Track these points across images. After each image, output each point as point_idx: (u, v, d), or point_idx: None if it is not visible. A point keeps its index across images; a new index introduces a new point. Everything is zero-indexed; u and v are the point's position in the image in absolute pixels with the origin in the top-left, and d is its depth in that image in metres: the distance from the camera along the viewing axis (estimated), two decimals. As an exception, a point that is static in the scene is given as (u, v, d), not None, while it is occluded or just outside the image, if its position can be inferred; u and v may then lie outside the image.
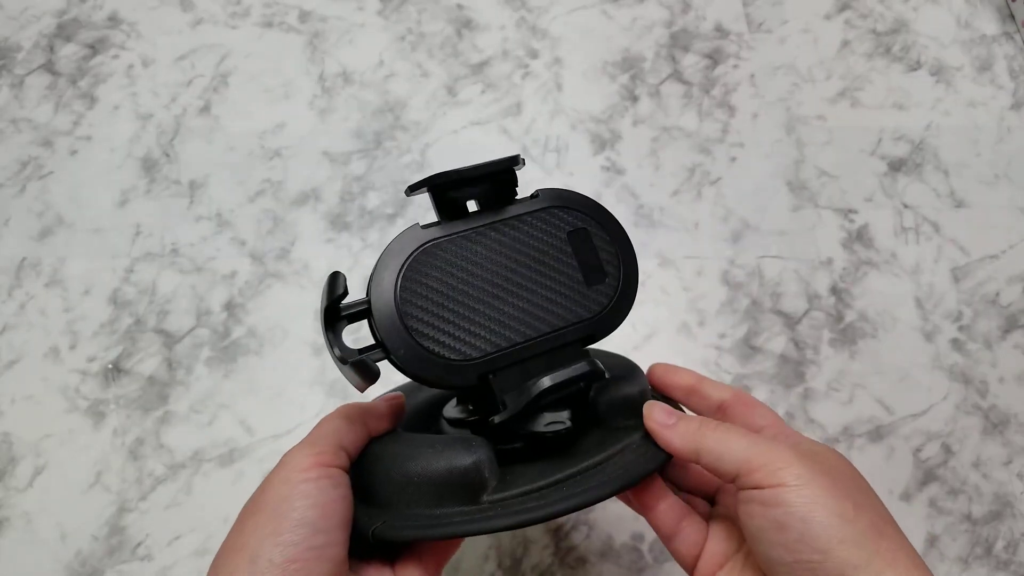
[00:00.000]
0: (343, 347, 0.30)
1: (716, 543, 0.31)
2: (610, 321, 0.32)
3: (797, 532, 0.25)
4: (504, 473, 0.30)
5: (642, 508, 0.32)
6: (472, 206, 0.32)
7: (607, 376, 0.31)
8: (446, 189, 0.31)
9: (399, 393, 0.34)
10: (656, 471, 0.30)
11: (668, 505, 0.32)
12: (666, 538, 0.32)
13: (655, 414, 0.31)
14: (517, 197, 0.33)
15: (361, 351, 0.30)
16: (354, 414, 0.31)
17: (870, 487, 0.28)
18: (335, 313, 0.30)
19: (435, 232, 0.31)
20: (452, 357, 0.30)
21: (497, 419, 0.30)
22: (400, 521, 0.29)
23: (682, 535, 0.31)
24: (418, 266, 0.30)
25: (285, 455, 0.29)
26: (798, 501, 0.25)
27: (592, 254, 0.32)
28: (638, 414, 0.31)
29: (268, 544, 0.25)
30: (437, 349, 0.29)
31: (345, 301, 0.30)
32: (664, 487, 0.32)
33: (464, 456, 0.29)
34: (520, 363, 0.31)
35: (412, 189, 0.31)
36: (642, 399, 0.32)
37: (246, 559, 0.25)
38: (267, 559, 0.25)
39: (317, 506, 0.26)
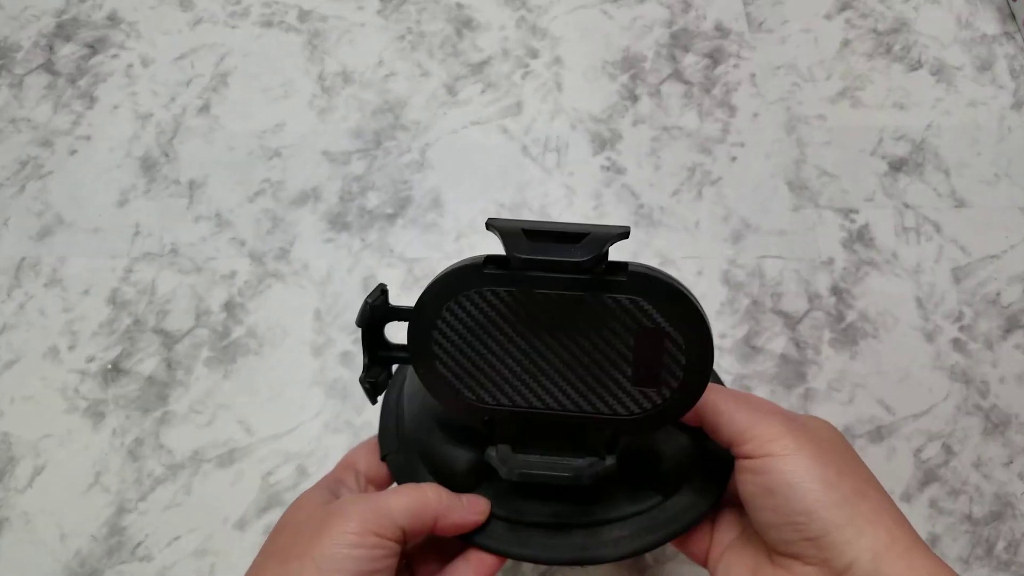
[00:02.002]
0: (373, 357, 0.31)
1: (724, 533, 0.33)
2: (637, 428, 0.29)
3: (783, 496, 0.27)
4: (511, 495, 0.32)
5: None
6: None
7: (603, 475, 0.30)
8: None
9: (487, 508, 0.31)
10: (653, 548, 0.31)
11: None
12: (679, 543, 0.33)
13: None
14: (608, 259, 0.30)
15: (396, 346, 0.32)
16: (433, 505, 0.29)
17: (856, 456, 0.30)
18: (376, 318, 0.31)
19: (499, 279, 0.28)
20: (465, 393, 0.29)
21: (486, 456, 0.30)
22: (405, 458, 0.33)
23: (694, 535, 0.33)
24: (466, 303, 0.29)
25: (345, 503, 0.29)
26: (785, 469, 0.28)
27: (654, 357, 0.29)
28: (659, 486, 0.32)
29: None
30: (453, 381, 0.29)
31: (395, 303, 0.31)
32: None
33: (462, 455, 0.31)
34: (528, 424, 0.30)
35: (489, 226, 0.29)
36: (668, 473, 0.32)
37: None
38: None
39: (363, 573, 0.27)
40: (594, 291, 0.28)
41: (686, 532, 0.32)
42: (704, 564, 0.32)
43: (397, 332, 0.32)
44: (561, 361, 0.29)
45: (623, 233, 0.27)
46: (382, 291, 0.31)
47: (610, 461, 0.30)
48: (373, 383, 0.31)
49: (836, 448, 0.29)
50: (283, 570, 0.27)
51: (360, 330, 0.31)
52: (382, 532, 0.28)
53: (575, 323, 0.28)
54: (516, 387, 0.29)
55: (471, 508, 0.31)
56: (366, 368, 0.31)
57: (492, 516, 0.31)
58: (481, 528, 0.31)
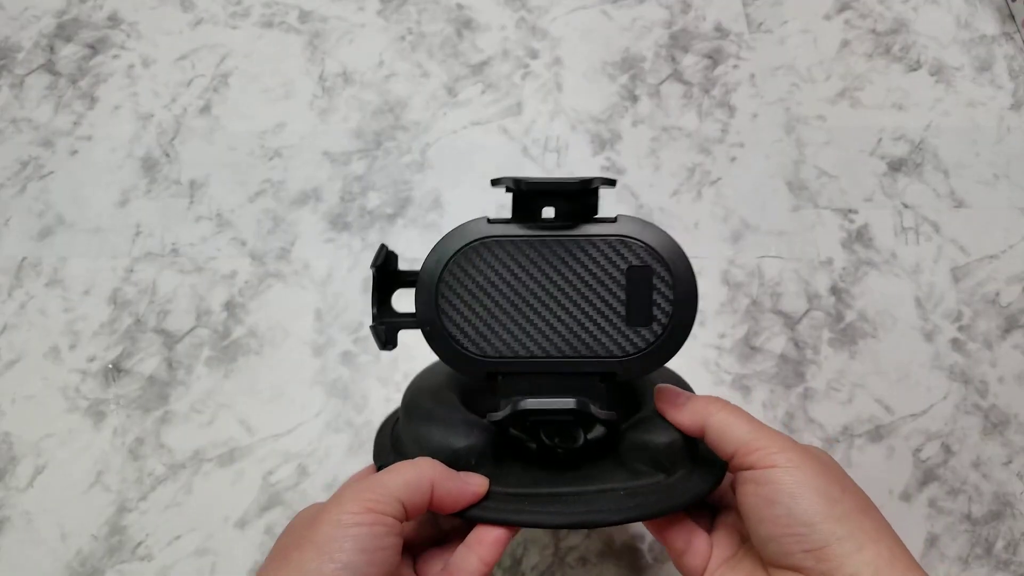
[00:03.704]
0: (382, 307, 0.32)
1: (721, 549, 0.32)
2: (637, 367, 0.31)
3: (785, 507, 0.27)
4: (502, 468, 0.32)
5: (654, 529, 0.33)
6: (547, 211, 0.32)
7: (604, 419, 0.30)
8: (527, 197, 0.31)
9: (486, 482, 0.31)
10: (647, 519, 0.31)
11: (678, 525, 0.32)
12: (677, 555, 0.32)
13: (665, 396, 0.32)
14: (597, 215, 0.32)
15: (402, 315, 0.32)
16: (426, 474, 0.29)
17: (854, 481, 0.30)
18: (384, 273, 0.32)
19: (499, 229, 0.31)
20: (469, 348, 0.30)
21: (487, 419, 0.31)
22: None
23: (691, 550, 0.32)
24: (470, 255, 0.30)
25: (341, 491, 0.29)
26: (788, 479, 0.28)
27: (645, 295, 0.31)
28: (657, 464, 0.32)
29: None
30: (458, 336, 0.30)
31: (404, 268, 0.32)
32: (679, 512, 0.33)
33: (459, 439, 0.31)
34: (530, 375, 0.31)
35: (495, 183, 0.31)
36: (667, 451, 0.32)
37: None
38: None
39: (365, 552, 0.27)
40: (588, 234, 0.30)
41: (690, 504, 0.31)
42: None
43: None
44: (560, 307, 0.30)
45: (610, 180, 0.30)
46: (387, 248, 0.32)
47: (609, 415, 0.30)
48: (385, 327, 0.31)
49: (836, 469, 0.30)
50: (284, 563, 0.27)
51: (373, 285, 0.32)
52: (379, 508, 0.27)
53: (571, 267, 0.30)
54: (518, 337, 0.30)
55: (467, 478, 0.31)
56: (376, 315, 0.32)
57: (491, 492, 0.31)
58: (480, 504, 0.30)
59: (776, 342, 0.55)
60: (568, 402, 0.30)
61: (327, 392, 0.53)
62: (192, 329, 0.55)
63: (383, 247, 0.32)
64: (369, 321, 0.55)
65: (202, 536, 0.49)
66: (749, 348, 0.55)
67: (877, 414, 0.53)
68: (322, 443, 0.51)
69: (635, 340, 0.31)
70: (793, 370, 0.55)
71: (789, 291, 0.57)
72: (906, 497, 0.51)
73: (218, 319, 0.55)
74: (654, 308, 0.30)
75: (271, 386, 0.53)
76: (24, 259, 0.57)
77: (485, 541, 0.30)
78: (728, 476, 0.33)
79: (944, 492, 0.51)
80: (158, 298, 0.56)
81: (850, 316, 0.57)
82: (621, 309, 0.30)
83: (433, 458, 0.30)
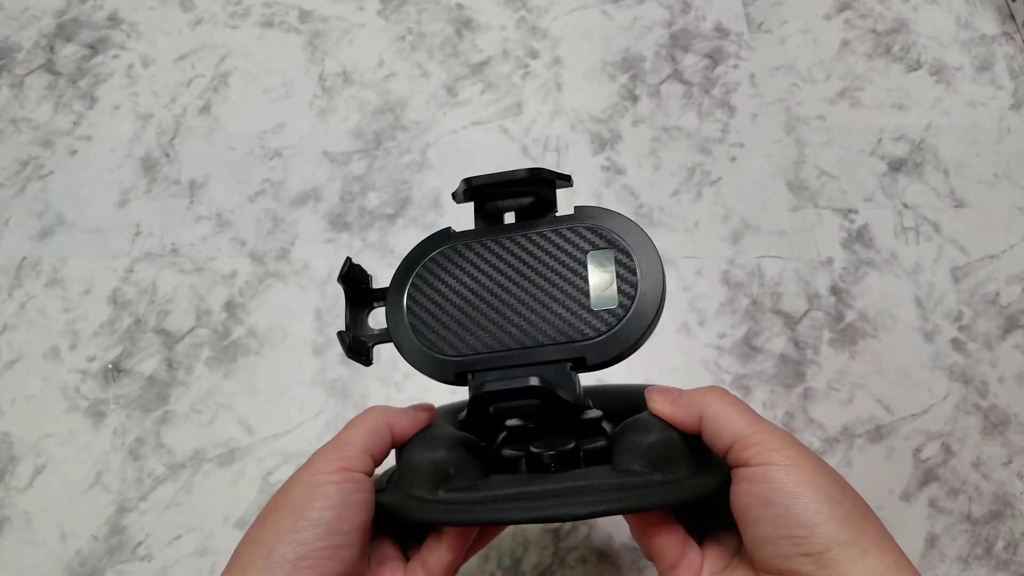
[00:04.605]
0: (355, 319, 0.33)
1: (712, 561, 0.30)
2: (607, 348, 0.30)
3: (782, 507, 0.26)
4: (487, 478, 0.32)
5: (644, 537, 0.31)
6: (510, 218, 0.33)
7: (564, 399, 0.30)
8: (483, 197, 0.32)
9: (431, 404, 0.33)
10: (638, 511, 0.29)
11: (671, 534, 0.30)
12: (668, 567, 0.30)
13: (657, 396, 0.31)
14: (557, 213, 0.33)
15: (377, 331, 0.33)
16: (381, 419, 0.31)
17: (852, 487, 0.29)
18: (352, 285, 0.33)
19: (464, 234, 0.32)
20: (439, 352, 0.31)
21: (460, 416, 0.32)
22: (393, 493, 0.31)
23: (683, 562, 0.30)
24: (432, 266, 0.32)
25: (312, 456, 0.30)
26: (786, 479, 0.26)
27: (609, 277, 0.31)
28: (651, 463, 0.30)
29: (284, 540, 0.27)
30: (429, 343, 0.31)
31: (376, 286, 0.34)
32: (668, 515, 0.31)
33: (435, 451, 0.31)
34: (499, 369, 0.31)
35: (454, 196, 0.32)
36: (660, 447, 0.30)
37: (263, 553, 0.27)
38: (281, 554, 0.26)
39: (335, 508, 0.28)
40: (548, 226, 0.32)
41: (681, 504, 0.29)
42: None
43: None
44: (526, 298, 0.31)
45: (564, 175, 0.31)
46: (351, 261, 0.33)
47: (595, 413, 0.31)
48: (353, 337, 0.32)
49: (835, 472, 0.28)
50: (262, 527, 0.28)
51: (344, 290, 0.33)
52: (351, 465, 0.29)
53: (534, 258, 0.32)
54: (488, 333, 0.31)
55: (416, 410, 0.32)
56: (348, 324, 0.33)
57: (465, 499, 0.30)
58: (451, 507, 0.30)
59: (776, 342, 0.55)
60: (530, 380, 0.29)
61: (327, 392, 0.53)
62: (192, 329, 0.55)
63: (348, 260, 0.32)
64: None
65: (202, 536, 0.49)
66: (749, 348, 0.55)
67: (877, 414, 0.53)
68: (322, 443, 0.51)
69: (599, 324, 0.31)
70: (793, 370, 0.55)
71: (789, 291, 0.57)
72: (906, 497, 0.51)
73: (218, 319, 0.55)
74: (618, 290, 0.31)
75: (271, 386, 0.53)
76: (24, 259, 0.57)
77: (452, 531, 0.31)
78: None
79: (944, 492, 0.51)
80: (158, 298, 0.56)
81: (850, 316, 0.57)
82: (587, 289, 0.31)
83: (415, 475, 0.30)
